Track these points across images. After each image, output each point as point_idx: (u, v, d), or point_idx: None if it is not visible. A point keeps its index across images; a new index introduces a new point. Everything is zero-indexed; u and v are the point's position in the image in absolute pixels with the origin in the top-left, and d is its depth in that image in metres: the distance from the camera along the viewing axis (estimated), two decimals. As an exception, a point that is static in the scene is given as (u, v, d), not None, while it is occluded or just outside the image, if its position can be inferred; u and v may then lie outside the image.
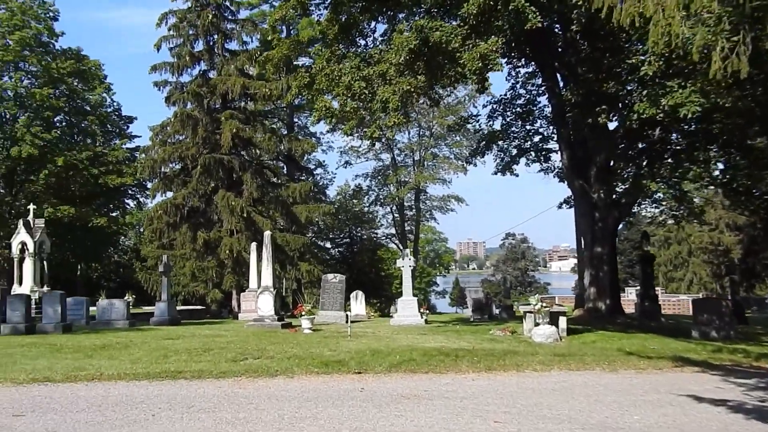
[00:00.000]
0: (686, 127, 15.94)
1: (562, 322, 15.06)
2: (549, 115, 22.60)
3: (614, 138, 19.99)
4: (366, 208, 53.82)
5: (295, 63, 26.13)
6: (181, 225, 33.41)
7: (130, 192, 47.69)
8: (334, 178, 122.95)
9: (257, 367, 9.78)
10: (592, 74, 15.19)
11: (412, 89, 14.30)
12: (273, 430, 6.14)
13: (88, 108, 43.27)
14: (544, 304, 14.27)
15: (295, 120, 46.41)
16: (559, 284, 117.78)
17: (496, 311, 26.92)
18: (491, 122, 22.28)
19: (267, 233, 19.13)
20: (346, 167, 53.13)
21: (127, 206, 50.38)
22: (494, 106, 22.26)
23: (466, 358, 10.78)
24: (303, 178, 41.60)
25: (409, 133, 51.70)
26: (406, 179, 50.66)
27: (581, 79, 15.23)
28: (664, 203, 23.36)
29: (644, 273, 24.99)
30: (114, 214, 47.57)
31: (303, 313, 16.66)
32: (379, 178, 52.47)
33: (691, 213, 23.95)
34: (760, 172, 18.74)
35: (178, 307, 32.33)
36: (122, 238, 55.07)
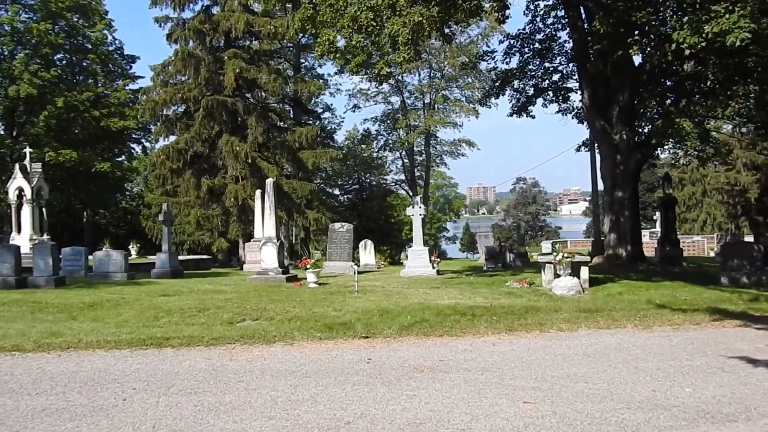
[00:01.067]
0: (722, 60, 14.47)
1: (584, 272, 14.05)
2: (570, 51, 21.13)
3: (639, 75, 18.61)
4: (375, 154, 52.58)
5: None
6: (185, 171, 32.42)
7: (134, 136, 46.62)
8: (342, 122, 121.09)
9: (254, 331, 8.81)
10: (621, 2, 13.66)
11: (424, 20, 12.94)
12: (263, 419, 5.15)
13: (89, 46, 41.84)
14: (566, 254, 13.21)
15: (302, 61, 44.77)
16: (570, 227, 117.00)
17: (510, 258, 25.97)
18: (508, 59, 20.83)
19: (269, 180, 18.04)
20: (354, 111, 51.92)
21: (133, 151, 49.44)
22: (511, 41, 20.73)
23: (484, 318, 9.81)
24: (310, 122, 40.28)
25: (419, 74, 50.00)
26: (416, 123, 49.19)
27: (611, 8, 13.67)
28: (688, 143, 22.07)
29: (665, 217, 23.83)
30: (119, 159, 46.64)
31: (308, 266, 15.71)
32: (389, 122, 51.01)
33: (717, 153, 22.69)
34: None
35: (184, 257, 31.68)
36: (129, 184, 54.28)
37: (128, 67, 45.96)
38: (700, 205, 64.29)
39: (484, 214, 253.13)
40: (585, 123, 22.60)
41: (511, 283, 15.23)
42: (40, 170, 24.22)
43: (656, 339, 8.72)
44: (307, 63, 47.59)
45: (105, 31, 43.02)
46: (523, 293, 13.31)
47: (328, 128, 49.66)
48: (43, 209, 24.34)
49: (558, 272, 13.43)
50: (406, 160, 52.38)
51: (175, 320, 9.69)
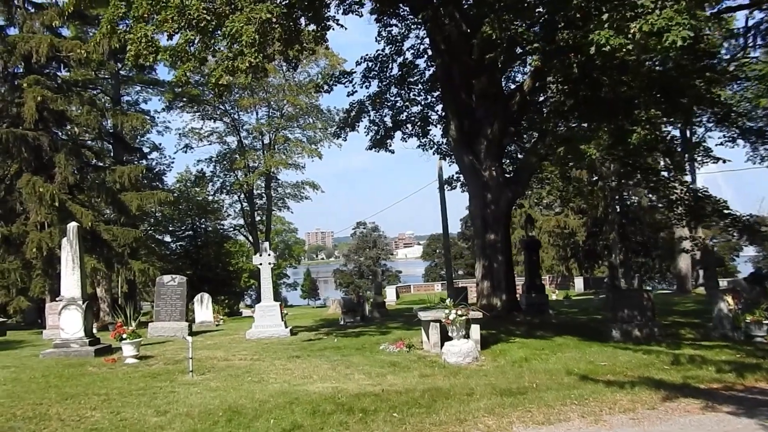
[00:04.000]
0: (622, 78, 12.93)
1: (475, 331, 11.58)
2: (428, 80, 19.29)
3: (509, 104, 17.08)
4: (210, 197, 48.39)
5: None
6: (-28, 217, 26.57)
7: None
8: (173, 163, 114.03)
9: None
10: (508, 12, 11.62)
11: (273, 18, 10.12)
12: None
13: None
14: (460, 312, 10.65)
15: (123, 95, 39.89)
16: (408, 271, 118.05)
17: (368, 310, 23.35)
18: (367, 83, 18.40)
19: (71, 225, 13.93)
20: (186, 151, 47.41)
21: None
22: (370, 64, 18.34)
23: (381, 415, 6.84)
24: (135, 161, 35.46)
25: (257, 113, 47.07)
26: (256, 164, 45.90)
27: (499, 17, 11.53)
28: (551, 184, 21.00)
29: (529, 261, 22.57)
30: None
31: (124, 335, 11.83)
32: (225, 162, 47.26)
33: (579, 193, 21.88)
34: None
35: (-33, 322, 25.85)
36: None
37: None
38: (529, 247, 66.53)
39: (323, 259, 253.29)
40: (448, 159, 20.88)
41: (387, 347, 12.52)
42: None
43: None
44: (129, 98, 42.86)
45: None
46: (408, 363, 10.53)
47: (157, 170, 44.83)
48: None
49: (450, 334, 10.86)
50: (245, 204, 48.68)
51: None
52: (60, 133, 29.36)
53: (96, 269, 27.05)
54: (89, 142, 33.57)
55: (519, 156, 20.88)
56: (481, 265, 17.98)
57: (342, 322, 20.70)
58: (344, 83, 17.88)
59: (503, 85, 17.88)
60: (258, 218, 48.93)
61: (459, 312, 10.61)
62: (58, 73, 29.86)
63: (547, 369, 9.59)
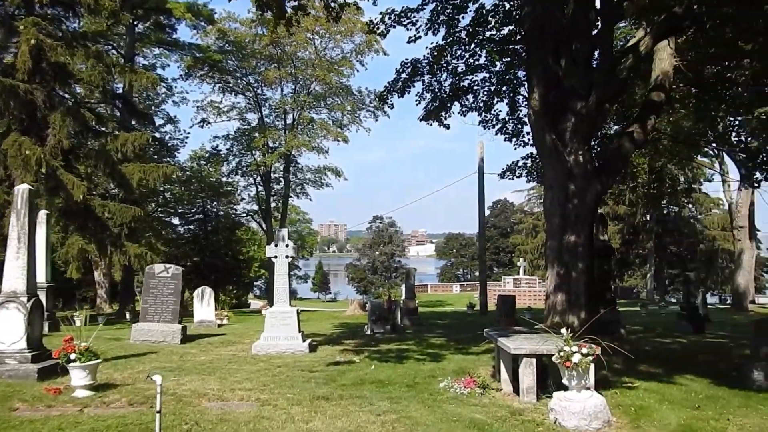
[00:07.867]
0: None
1: (591, 374, 7.70)
2: (504, 39, 15.33)
3: (616, 70, 13.20)
4: (224, 178, 44.72)
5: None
6: (-53, 181, 22.95)
7: None
8: (187, 138, 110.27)
9: None
10: None
11: None
12: None
13: None
14: (586, 351, 6.76)
15: (138, 53, 36.25)
16: (420, 269, 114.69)
17: (398, 317, 19.57)
18: (434, 28, 14.30)
19: (20, 188, 10.04)
20: (202, 126, 43.62)
21: None
22: (438, 5, 14.18)
23: None
24: (144, 129, 31.33)
25: (282, 89, 43.32)
26: (276, 145, 42.14)
27: None
28: (639, 180, 16.99)
29: (600, 270, 18.51)
30: None
31: (71, 355, 8.01)
32: (243, 140, 43.51)
33: (672, 191, 17.88)
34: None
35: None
36: None
37: None
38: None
39: (334, 252, 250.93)
40: (514, 140, 16.98)
41: (451, 385, 8.70)
42: None
43: None
44: (146, 62, 39.21)
45: None
46: (502, 424, 6.64)
47: (170, 144, 41.19)
48: None
49: (565, 381, 6.94)
50: (260, 187, 44.88)
51: None
52: (60, 91, 25.62)
53: (84, 250, 23.43)
54: (93, 103, 29.90)
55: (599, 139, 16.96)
56: (554, 272, 13.96)
57: (369, 332, 16.91)
58: (406, 25, 13.85)
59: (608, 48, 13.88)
60: (273, 205, 45.24)
61: (584, 350, 6.70)
62: (65, 22, 26.22)
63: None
